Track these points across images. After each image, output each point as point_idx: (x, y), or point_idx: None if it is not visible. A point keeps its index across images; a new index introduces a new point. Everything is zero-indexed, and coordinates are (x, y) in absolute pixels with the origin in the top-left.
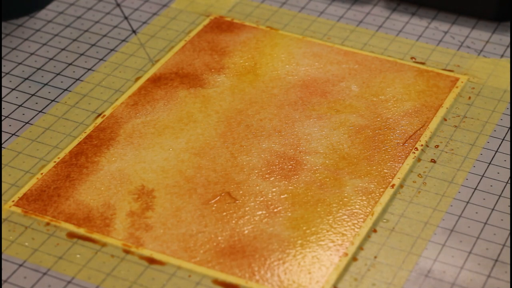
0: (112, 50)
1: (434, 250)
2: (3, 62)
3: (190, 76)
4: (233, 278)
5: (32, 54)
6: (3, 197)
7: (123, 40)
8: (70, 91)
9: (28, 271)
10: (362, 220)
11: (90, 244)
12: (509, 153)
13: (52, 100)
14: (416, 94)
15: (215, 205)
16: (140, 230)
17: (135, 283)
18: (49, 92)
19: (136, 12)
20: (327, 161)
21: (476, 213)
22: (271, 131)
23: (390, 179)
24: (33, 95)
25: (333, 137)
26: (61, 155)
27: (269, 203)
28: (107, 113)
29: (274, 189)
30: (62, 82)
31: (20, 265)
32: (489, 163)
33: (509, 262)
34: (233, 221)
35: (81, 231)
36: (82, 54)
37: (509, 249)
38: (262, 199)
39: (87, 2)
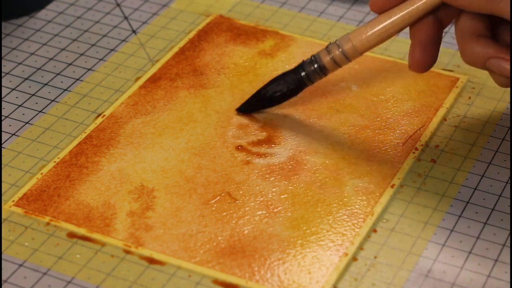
0: (112, 50)
1: (434, 250)
2: (3, 62)
3: (190, 76)
4: (233, 278)
5: (32, 54)
6: (3, 197)
7: (123, 40)
8: (70, 91)
9: (28, 271)
10: (362, 220)
11: (90, 244)
12: (509, 153)
13: (52, 100)
14: (416, 94)
15: (215, 205)
16: (140, 230)
17: (135, 283)
18: (49, 92)
19: (136, 12)
20: (327, 161)
21: (476, 213)
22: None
23: (390, 179)
24: (33, 95)
25: (333, 137)
26: (61, 155)
27: (269, 203)
28: (107, 113)
29: (274, 189)
30: (62, 82)
31: (20, 265)
32: (489, 163)
33: (509, 262)
34: (233, 221)
35: (81, 231)
36: (82, 54)
37: (509, 249)
38: (262, 199)
39: (87, 2)
